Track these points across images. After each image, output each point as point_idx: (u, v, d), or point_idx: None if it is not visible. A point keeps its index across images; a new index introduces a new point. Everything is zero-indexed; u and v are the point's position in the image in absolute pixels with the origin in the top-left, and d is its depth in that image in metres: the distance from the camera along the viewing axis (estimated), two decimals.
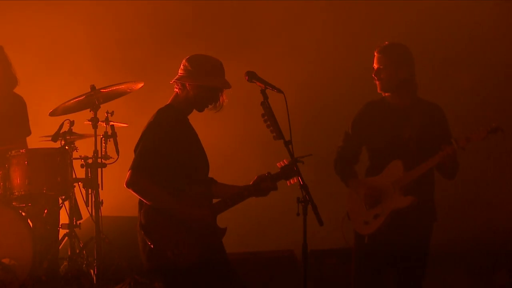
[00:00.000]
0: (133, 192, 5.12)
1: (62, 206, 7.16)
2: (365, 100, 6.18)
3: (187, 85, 5.30)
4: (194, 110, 5.41)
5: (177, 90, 5.36)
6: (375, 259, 5.92)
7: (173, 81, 5.36)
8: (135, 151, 5.21)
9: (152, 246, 5.08)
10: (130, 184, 5.10)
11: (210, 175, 5.61)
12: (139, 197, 5.14)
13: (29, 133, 7.46)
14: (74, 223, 7.11)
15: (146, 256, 5.14)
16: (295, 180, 5.23)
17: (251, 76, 5.25)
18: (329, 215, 5.37)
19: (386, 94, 6.01)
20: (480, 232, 8.18)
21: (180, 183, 5.20)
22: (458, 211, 8.26)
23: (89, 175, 7.10)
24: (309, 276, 7.36)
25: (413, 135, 5.91)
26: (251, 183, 5.41)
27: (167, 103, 5.38)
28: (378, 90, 5.99)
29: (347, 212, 6.06)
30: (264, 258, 7.41)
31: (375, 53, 5.97)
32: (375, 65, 5.96)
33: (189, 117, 5.44)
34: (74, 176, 7.14)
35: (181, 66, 5.35)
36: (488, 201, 8.40)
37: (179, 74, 5.34)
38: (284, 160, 5.35)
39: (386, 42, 6.01)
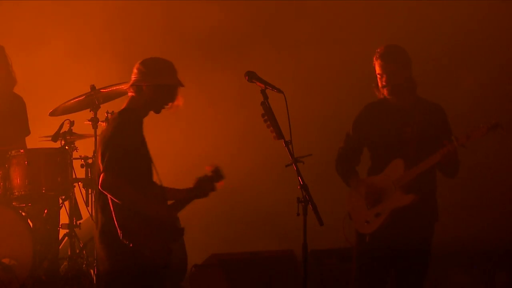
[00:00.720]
0: (107, 193, 5.12)
1: (62, 206, 7.16)
2: (366, 100, 6.17)
3: (144, 87, 5.33)
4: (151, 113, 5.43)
5: (132, 94, 5.38)
6: (376, 258, 5.92)
7: (128, 86, 5.39)
8: (103, 154, 5.17)
9: (131, 245, 5.09)
10: (105, 186, 5.11)
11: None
12: (113, 198, 5.12)
13: (28, 132, 7.46)
14: (74, 223, 7.11)
15: (118, 257, 5.15)
16: (222, 184, 5.43)
17: (251, 76, 5.25)
18: (329, 215, 5.36)
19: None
20: (481, 232, 8.18)
21: (144, 184, 5.26)
22: (459, 211, 8.26)
23: (89, 175, 7.11)
24: (309, 276, 7.35)
25: (414, 135, 5.90)
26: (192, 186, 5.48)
27: (123, 107, 5.39)
28: (387, 95, 5.94)
29: (348, 212, 6.06)
30: (264, 258, 7.41)
31: (378, 61, 5.93)
32: (381, 72, 5.93)
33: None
34: (74, 176, 7.14)
35: (134, 70, 5.38)
36: (489, 201, 8.40)
37: (133, 78, 5.37)
38: (210, 166, 5.48)
39: (383, 47, 5.95)
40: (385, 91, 5.94)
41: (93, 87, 6.95)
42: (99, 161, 5.20)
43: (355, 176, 6.09)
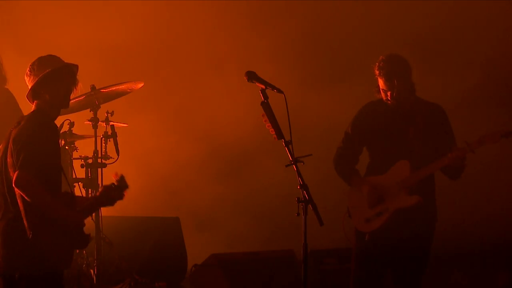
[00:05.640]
0: (20, 191, 5.02)
1: None
2: (366, 100, 6.18)
3: (35, 86, 5.24)
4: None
5: (36, 101, 5.28)
6: (375, 257, 5.93)
7: (27, 97, 5.30)
8: (18, 153, 5.07)
9: (43, 249, 5.05)
10: (20, 183, 5.00)
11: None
12: (25, 196, 5.02)
13: None
14: None
15: (21, 256, 5.06)
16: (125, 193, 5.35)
17: (251, 76, 5.23)
18: (329, 215, 5.36)
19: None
20: (481, 232, 8.18)
21: (54, 188, 5.21)
22: (459, 210, 8.26)
23: (89, 175, 7.10)
24: (309, 276, 7.36)
25: (418, 135, 5.91)
26: (97, 193, 5.44)
27: (33, 109, 5.29)
28: (390, 103, 5.93)
29: (347, 209, 6.06)
30: (264, 258, 7.41)
31: (382, 78, 5.87)
32: (385, 89, 5.89)
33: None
34: (74, 176, 7.13)
35: (25, 80, 5.30)
36: (489, 201, 8.40)
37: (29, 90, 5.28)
38: (116, 173, 5.40)
39: (385, 63, 5.89)
40: (389, 102, 5.92)
41: (93, 87, 6.95)
42: (11, 159, 5.10)
43: (357, 175, 6.10)
